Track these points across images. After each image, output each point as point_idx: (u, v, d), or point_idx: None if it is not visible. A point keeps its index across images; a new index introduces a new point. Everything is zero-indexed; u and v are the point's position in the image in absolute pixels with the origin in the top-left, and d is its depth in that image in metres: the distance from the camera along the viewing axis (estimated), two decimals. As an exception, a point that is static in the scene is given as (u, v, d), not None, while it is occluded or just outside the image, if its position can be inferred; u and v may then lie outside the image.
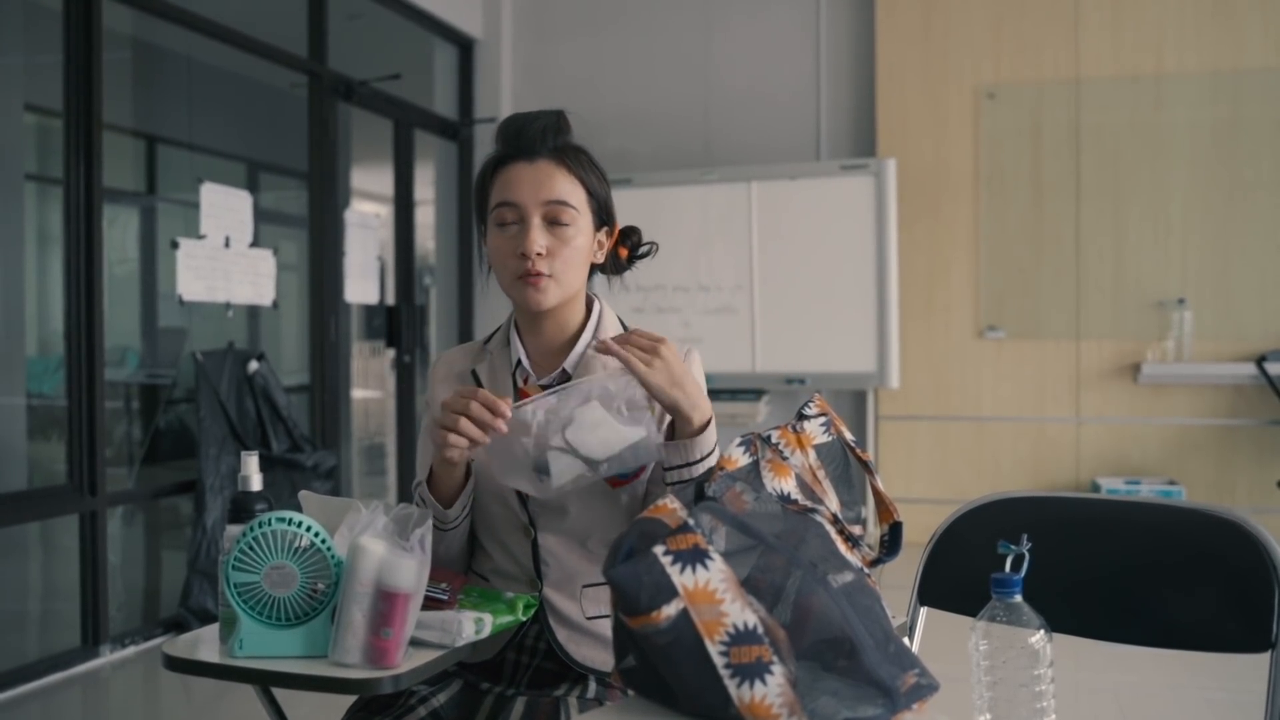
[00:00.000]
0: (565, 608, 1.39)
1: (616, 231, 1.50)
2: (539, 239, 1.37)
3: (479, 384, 1.48)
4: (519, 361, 1.46)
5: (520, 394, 1.44)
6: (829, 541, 1.10)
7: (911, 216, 5.13)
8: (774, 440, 1.17)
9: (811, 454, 1.17)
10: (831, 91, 5.39)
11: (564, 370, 1.44)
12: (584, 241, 1.41)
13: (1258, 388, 4.80)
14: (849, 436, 1.21)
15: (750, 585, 1.02)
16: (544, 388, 1.43)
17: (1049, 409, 5.05)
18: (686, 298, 5.12)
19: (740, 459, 1.15)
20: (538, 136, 1.39)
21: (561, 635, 1.38)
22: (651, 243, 1.54)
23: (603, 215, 1.45)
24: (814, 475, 1.17)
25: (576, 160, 1.41)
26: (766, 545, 1.05)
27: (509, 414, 1.24)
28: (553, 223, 1.38)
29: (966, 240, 5.13)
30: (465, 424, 1.24)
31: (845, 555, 1.10)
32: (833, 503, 1.16)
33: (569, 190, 1.39)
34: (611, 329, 1.47)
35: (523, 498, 1.40)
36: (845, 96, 5.38)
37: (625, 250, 1.51)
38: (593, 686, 1.37)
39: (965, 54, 5.12)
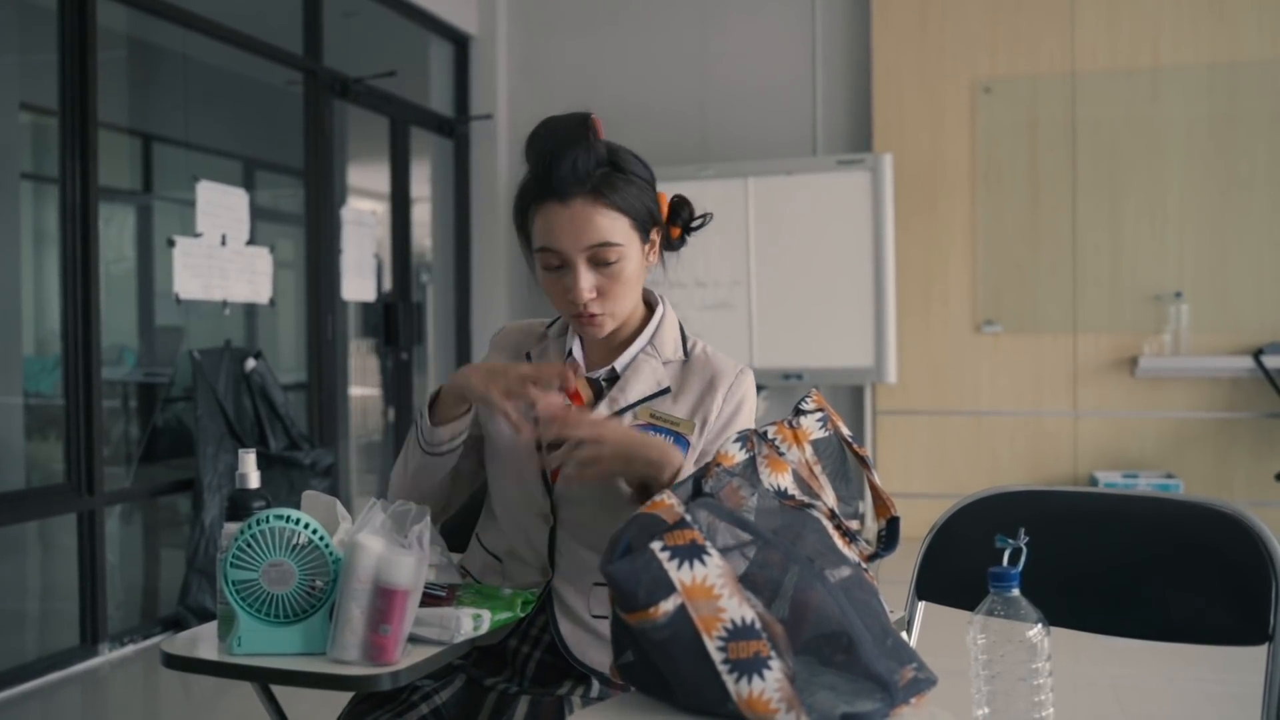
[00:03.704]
0: (572, 601, 1.38)
1: (665, 216, 1.45)
2: (587, 284, 1.34)
3: None
4: (570, 352, 1.46)
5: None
6: (826, 537, 1.10)
7: (908, 211, 5.13)
8: (770, 436, 1.17)
9: (808, 449, 1.17)
10: (827, 86, 5.39)
11: (613, 368, 1.43)
12: (634, 265, 1.38)
13: (1255, 380, 4.80)
14: (845, 432, 1.21)
15: (748, 581, 1.02)
16: (591, 381, 1.44)
17: (1046, 403, 5.05)
18: (683, 294, 5.12)
19: (737, 455, 1.15)
20: (569, 177, 1.31)
21: (565, 629, 1.37)
22: (705, 214, 1.49)
23: (649, 223, 1.40)
24: (810, 471, 1.17)
25: (612, 187, 1.34)
26: (764, 541, 1.05)
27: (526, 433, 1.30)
28: (599, 263, 1.35)
29: (963, 235, 5.13)
30: (510, 407, 1.29)
31: (843, 550, 1.10)
32: (830, 498, 1.16)
33: (609, 228, 1.34)
34: (669, 334, 1.46)
35: (547, 484, 1.39)
36: (841, 91, 5.38)
37: (677, 230, 1.46)
38: (596, 685, 1.36)
39: (961, 48, 5.12)
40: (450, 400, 1.36)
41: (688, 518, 1.05)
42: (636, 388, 1.41)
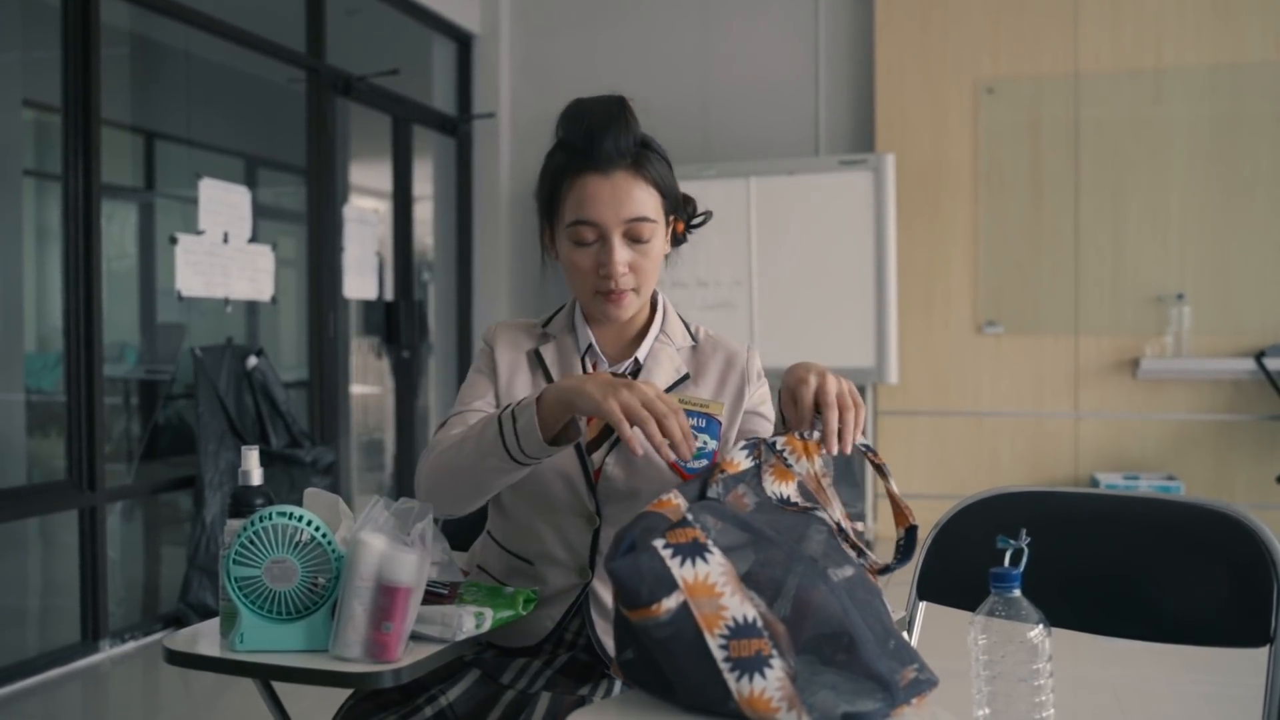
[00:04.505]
0: (610, 602, 1.34)
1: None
2: (622, 257, 1.35)
3: (542, 365, 1.44)
4: (589, 346, 1.44)
5: None
6: (830, 537, 1.10)
7: (910, 211, 5.12)
8: (779, 447, 1.17)
9: (818, 462, 1.17)
10: (830, 86, 5.39)
11: (636, 360, 1.43)
12: (661, 245, 1.40)
13: (1256, 383, 4.80)
14: (863, 441, 1.20)
15: (750, 580, 1.02)
16: (614, 375, 1.42)
17: (1048, 404, 5.05)
18: (685, 293, 5.13)
19: (743, 462, 1.15)
20: (612, 150, 1.34)
21: (601, 628, 1.36)
22: (706, 212, 1.50)
23: (674, 205, 1.43)
24: (819, 484, 1.16)
25: (649, 163, 1.38)
26: (767, 540, 1.06)
27: (681, 457, 1.19)
28: (634, 239, 1.36)
29: (965, 235, 5.13)
30: (654, 428, 1.16)
31: (846, 550, 1.10)
32: (837, 512, 1.16)
33: (647, 202, 1.36)
34: (676, 322, 1.48)
35: (591, 485, 1.37)
36: (844, 91, 5.37)
37: (681, 224, 1.48)
38: (618, 686, 1.35)
39: (964, 49, 5.11)
40: (556, 409, 1.22)
41: (689, 516, 1.05)
42: (660, 377, 1.41)
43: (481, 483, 1.30)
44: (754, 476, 1.14)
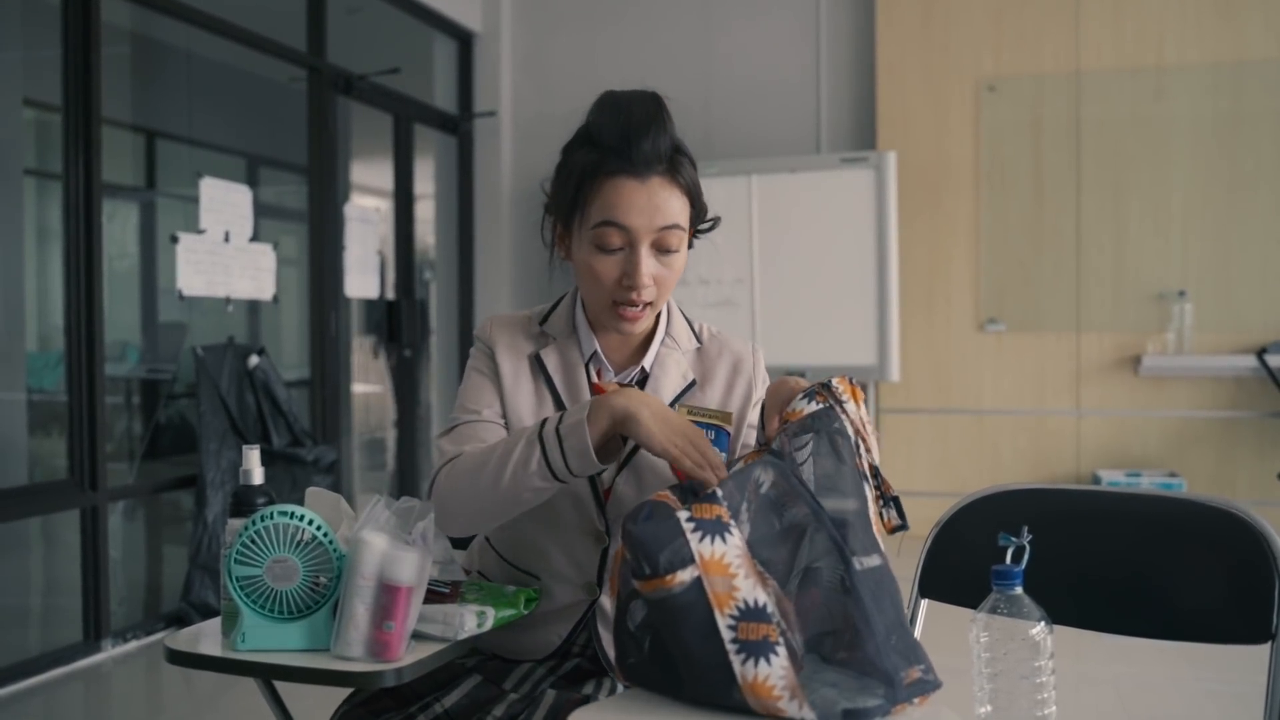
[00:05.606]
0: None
1: None
2: (648, 269, 1.29)
3: (544, 370, 1.39)
4: (594, 353, 1.39)
5: (594, 389, 1.38)
6: (867, 522, 1.09)
7: (912, 209, 5.12)
8: (834, 387, 1.15)
9: (863, 408, 1.16)
10: (832, 84, 5.39)
11: (643, 369, 1.38)
12: (683, 257, 1.33)
13: (1258, 380, 4.80)
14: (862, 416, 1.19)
15: (768, 565, 1.03)
16: (623, 386, 1.37)
17: (1049, 401, 5.05)
18: (687, 291, 5.12)
19: (806, 408, 1.14)
20: (650, 154, 1.26)
21: (607, 641, 1.32)
22: (715, 218, 1.42)
23: (699, 213, 1.36)
24: (864, 428, 1.15)
25: (682, 168, 1.31)
26: (796, 525, 1.05)
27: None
28: (662, 249, 1.30)
29: (967, 233, 5.12)
30: (692, 468, 1.17)
31: (876, 537, 1.09)
32: (876, 456, 1.15)
33: (679, 210, 1.30)
34: (681, 323, 1.43)
35: (601, 504, 1.34)
36: (845, 89, 5.37)
37: (692, 230, 1.39)
38: (621, 685, 1.33)
39: (966, 47, 5.11)
40: (606, 429, 1.20)
41: (719, 492, 1.05)
42: (667, 385, 1.37)
43: (515, 504, 1.26)
44: (826, 416, 1.12)
